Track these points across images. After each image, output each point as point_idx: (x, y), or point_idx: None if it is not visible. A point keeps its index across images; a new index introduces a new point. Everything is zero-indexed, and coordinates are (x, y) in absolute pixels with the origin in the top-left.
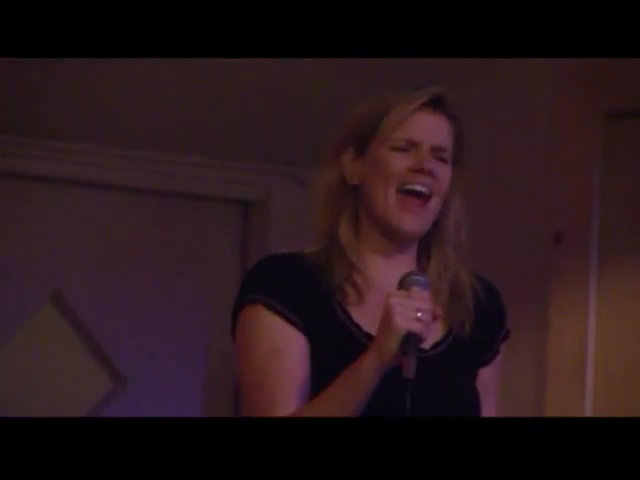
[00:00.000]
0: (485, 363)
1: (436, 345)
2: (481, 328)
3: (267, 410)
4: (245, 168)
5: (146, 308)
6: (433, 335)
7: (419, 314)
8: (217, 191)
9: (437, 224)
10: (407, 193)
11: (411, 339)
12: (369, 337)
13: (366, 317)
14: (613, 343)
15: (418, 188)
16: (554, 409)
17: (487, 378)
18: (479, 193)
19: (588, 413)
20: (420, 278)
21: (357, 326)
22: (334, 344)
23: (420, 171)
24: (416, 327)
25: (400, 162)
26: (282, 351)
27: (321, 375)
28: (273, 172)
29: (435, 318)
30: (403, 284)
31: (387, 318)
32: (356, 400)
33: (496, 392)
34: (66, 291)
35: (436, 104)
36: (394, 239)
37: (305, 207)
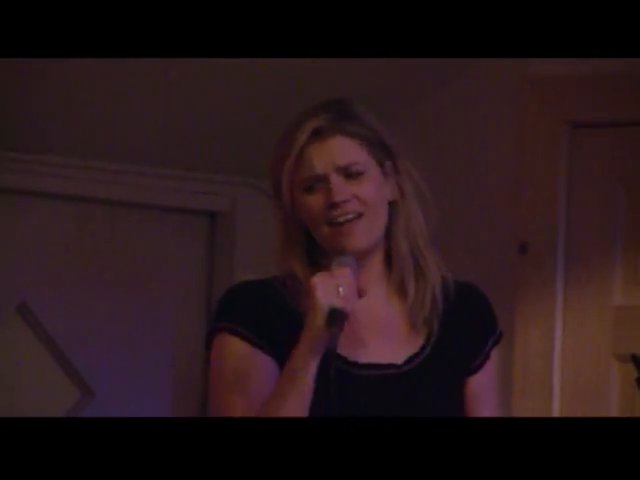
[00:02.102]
0: (474, 370)
1: (410, 359)
2: (465, 334)
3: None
4: (211, 179)
5: (112, 319)
6: (407, 349)
7: (340, 289)
8: (183, 202)
9: (389, 232)
10: (332, 225)
11: (335, 314)
12: (342, 360)
13: (339, 339)
14: (579, 354)
15: (341, 219)
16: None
17: (478, 385)
18: (443, 203)
19: None
20: (344, 258)
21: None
22: None
23: (333, 206)
24: (337, 302)
25: (315, 203)
26: (246, 374)
27: None
28: (239, 183)
29: (361, 295)
30: (330, 267)
31: (310, 297)
32: (299, 385)
33: (492, 398)
34: (32, 304)
35: (321, 134)
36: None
37: (271, 218)
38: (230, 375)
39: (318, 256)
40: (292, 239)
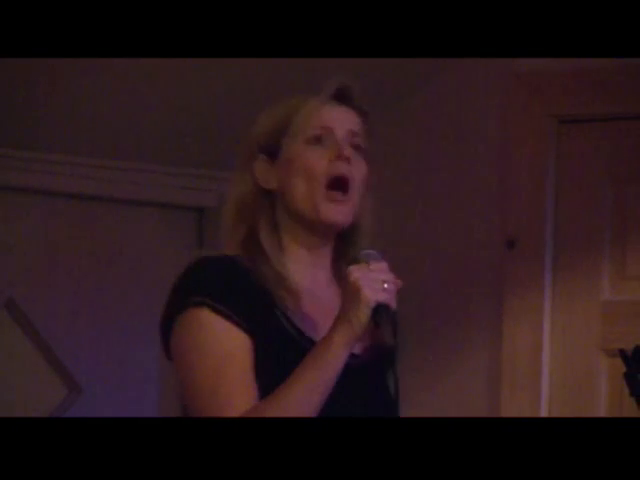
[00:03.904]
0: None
1: (366, 350)
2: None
3: (222, 414)
4: (199, 175)
5: (101, 315)
6: (363, 341)
7: (385, 285)
8: (171, 198)
9: (352, 223)
10: (331, 185)
11: (381, 309)
12: (311, 342)
13: (304, 322)
14: (567, 349)
15: (343, 171)
16: (508, 414)
17: None
18: (432, 199)
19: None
20: (371, 252)
21: (299, 331)
22: (277, 349)
23: (339, 157)
24: (384, 297)
25: (317, 154)
26: (233, 355)
27: (263, 380)
28: (226, 179)
29: (397, 289)
30: (358, 260)
31: (355, 292)
32: (327, 378)
33: None
34: (20, 300)
35: (342, 97)
36: (318, 235)
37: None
38: (215, 356)
39: (279, 232)
40: (260, 207)
